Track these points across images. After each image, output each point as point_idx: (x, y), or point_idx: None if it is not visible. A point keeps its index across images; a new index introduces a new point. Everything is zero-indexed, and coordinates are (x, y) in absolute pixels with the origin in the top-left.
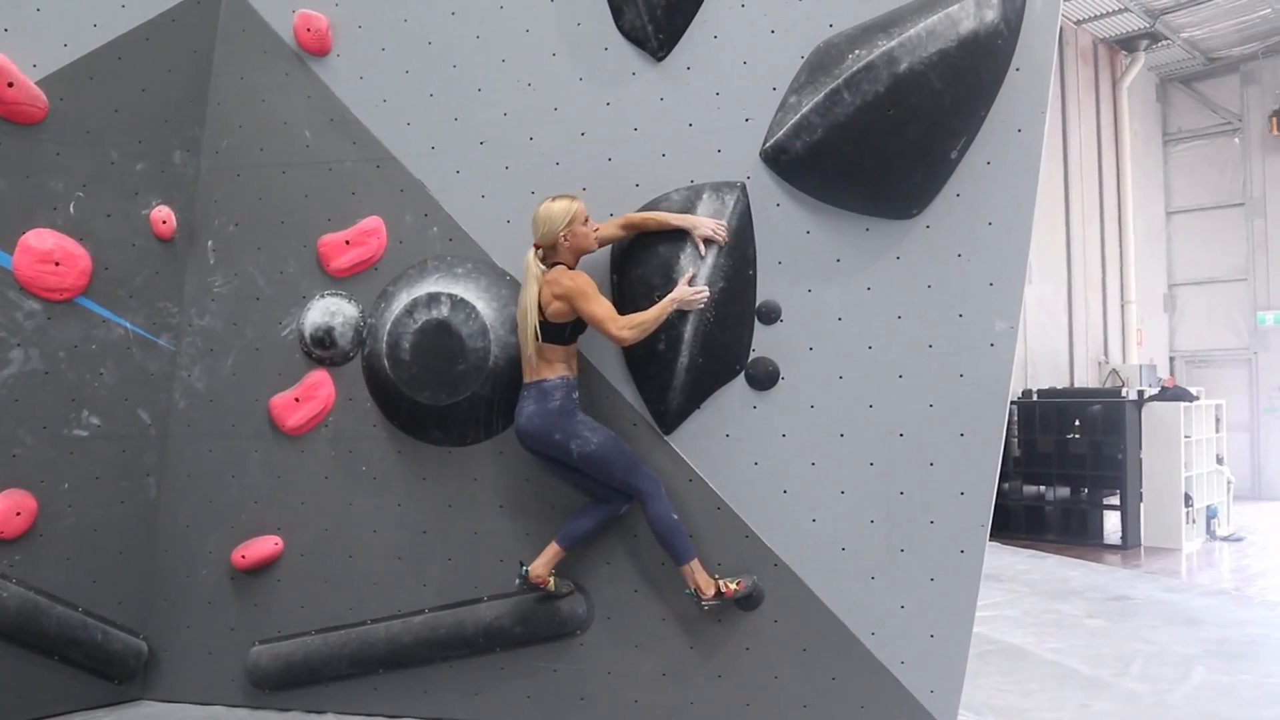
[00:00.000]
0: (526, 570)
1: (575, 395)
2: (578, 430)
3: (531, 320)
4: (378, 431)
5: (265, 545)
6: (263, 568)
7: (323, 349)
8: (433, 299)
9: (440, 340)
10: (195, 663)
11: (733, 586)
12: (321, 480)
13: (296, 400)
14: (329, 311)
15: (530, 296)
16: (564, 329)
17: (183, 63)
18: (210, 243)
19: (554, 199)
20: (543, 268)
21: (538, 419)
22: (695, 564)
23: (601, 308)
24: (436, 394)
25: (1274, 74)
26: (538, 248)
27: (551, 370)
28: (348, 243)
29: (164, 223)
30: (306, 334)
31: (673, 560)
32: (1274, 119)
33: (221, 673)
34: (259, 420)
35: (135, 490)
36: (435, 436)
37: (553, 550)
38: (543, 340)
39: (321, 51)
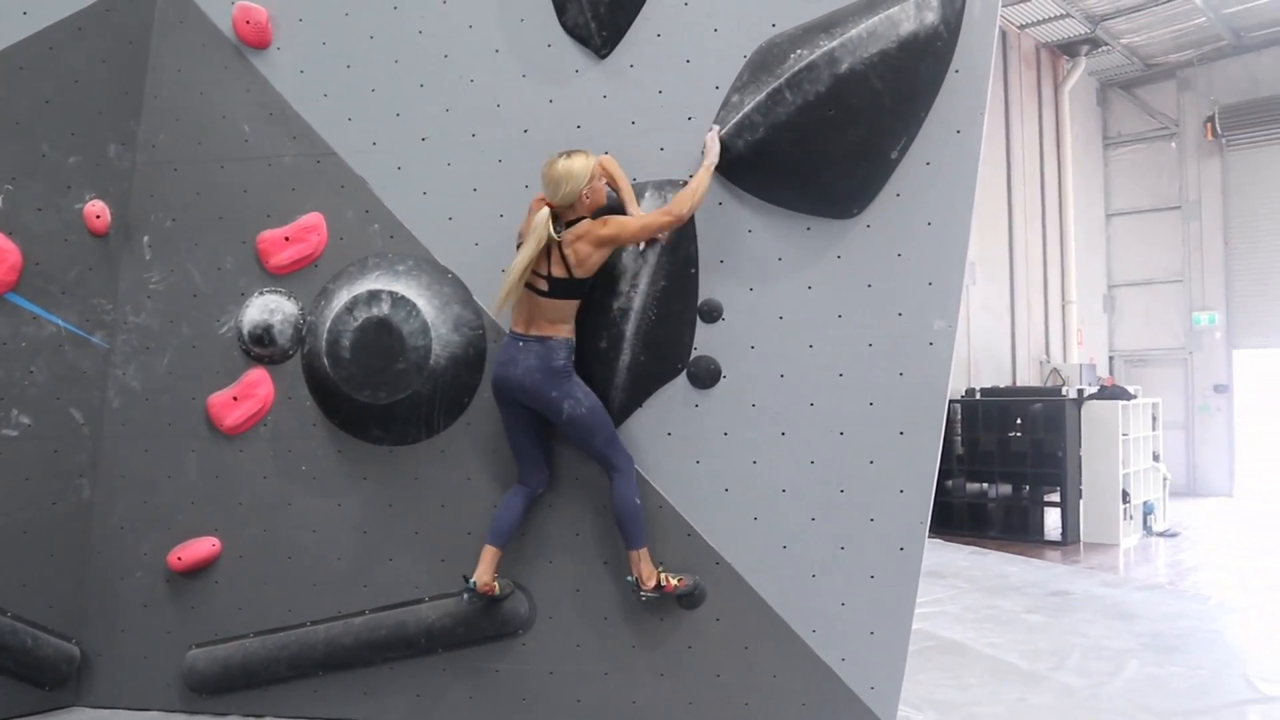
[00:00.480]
0: (474, 584)
1: (572, 358)
2: (573, 391)
3: (514, 279)
4: (317, 430)
5: (202, 547)
6: (200, 569)
7: (261, 347)
8: (373, 296)
9: (381, 338)
10: (130, 667)
11: (674, 582)
12: (260, 480)
13: (235, 399)
14: (268, 309)
15: (526, 257)
16: (585, 283)
17: (117, 54)
18: (146, 238)
19: (568, 155)
20: (556, 231)
21: (539, 374)
22: (644, 552)
23: (650, 218)
24: (377, 392)
25: (1209, 81)
26: (552, 207)
27: (556, 330)
28: (287, 239)
29: (98, 217)
30: (245, 331)
31: (624, 543)
32: (1208, 124)
33: (157, 677)
34: (196, 419)
35: (67, 491)
36: (376, 435)
37: (490, 554)
38: (561, 297)
39: (261, 44)
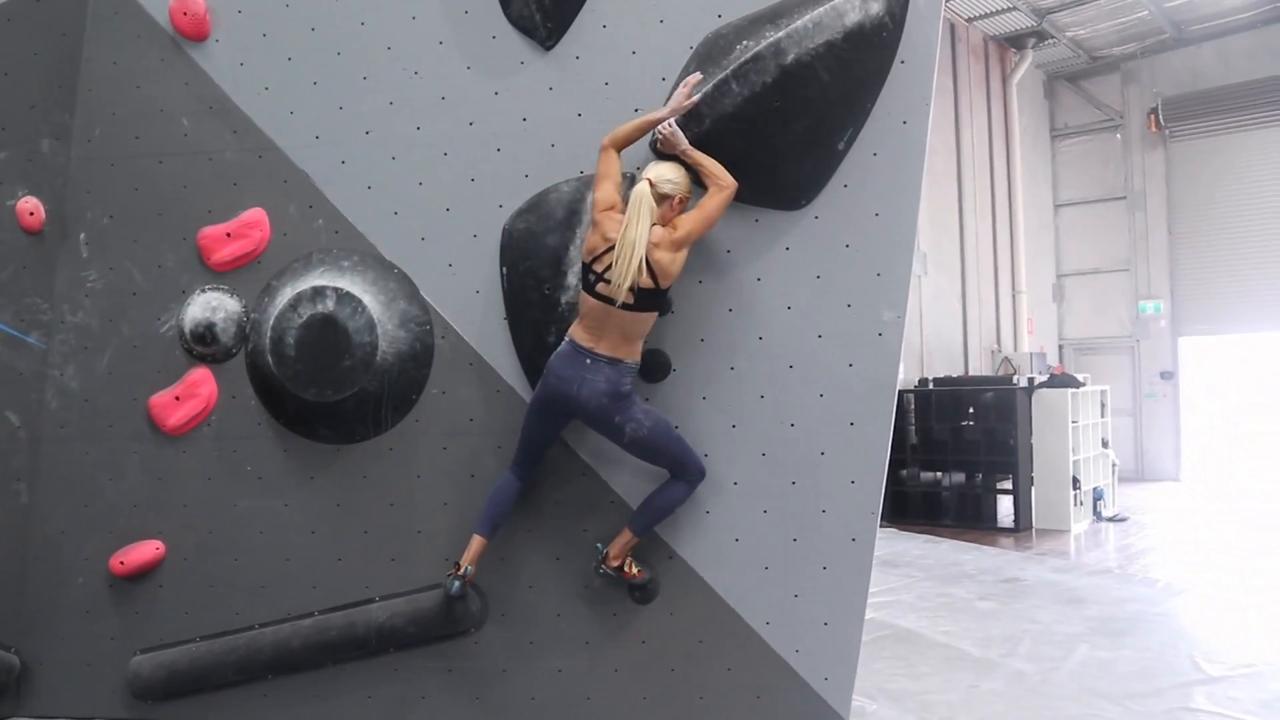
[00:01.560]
0: (468, 570)
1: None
2: (634, 414)
3: (639, 255)
4: (263, 430)
5: (146, 550)
6: (143, 574)
7: (204, 345)
8: (318, 293)
9: (326, 335)
10: (73, 675)
11: (634, 570)
12: (205, 481)
13: (177, 399)
14: (210, 306)
15: (643, 231)
16: (666, 295)
17: (49, 46)
18: (83, 235)
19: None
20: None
21: (606, 399)
22: (634, 541)
23: (710, 201)
24: (323, 390)
25: (1152, 73)
26: (654, 186)
27: (630, 350)
28: (229, 235)
29: (31, 214)
30: (187, 330)
31: (630, 524)
32: (1152, 116)
33: (101, 684)
34: (137, 420)
35: (4, 496)
36: (323, 434)
37: (478, 544)
38: (646, 310)
39: (199, 36)
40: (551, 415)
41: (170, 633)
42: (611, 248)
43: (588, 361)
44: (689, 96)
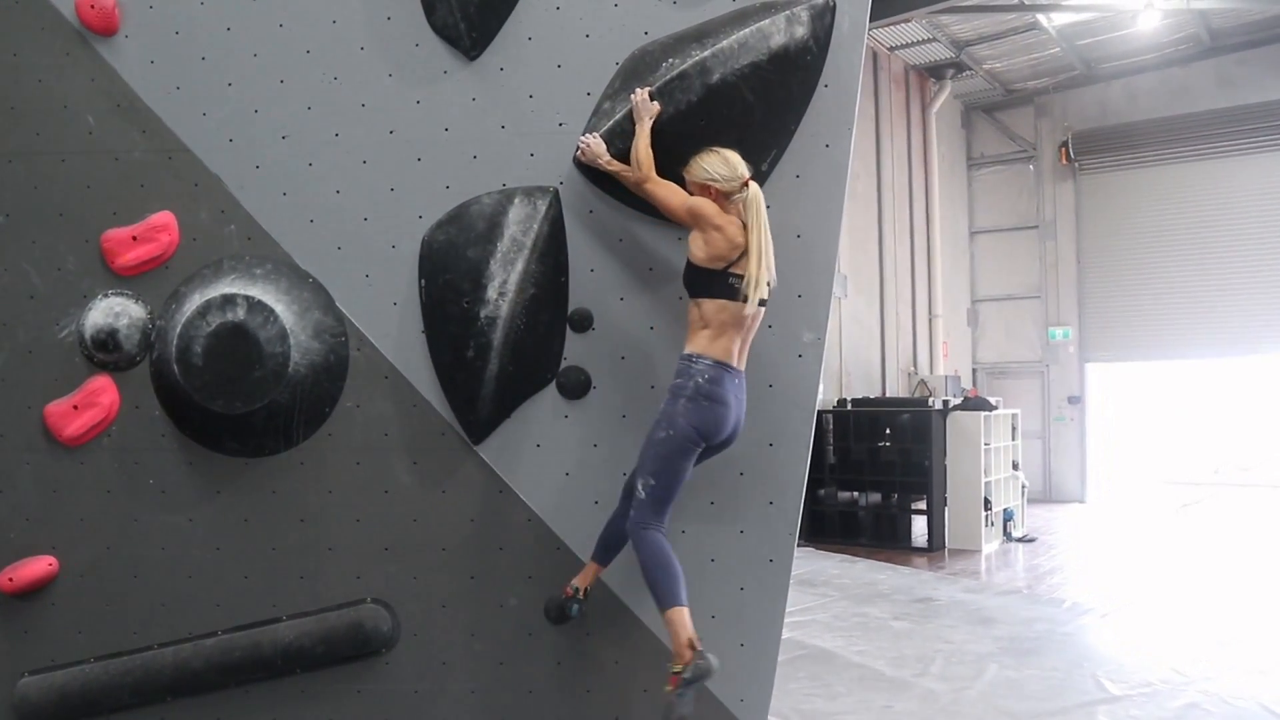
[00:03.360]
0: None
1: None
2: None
3: (771, 251)
4: (167, 442)
5: (38, 566)
6: (34, 590)
7: (105, 352)
8: (228, 301)
9: (236, 345)
10: None
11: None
12: (103, 494)
13: (75, 408)
14: (113, 312)
15: (767, 234)
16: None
17: None
18: None
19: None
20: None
21: (744, 416)
22: (601, 569)
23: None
24: (232, 402)
25: (1063, 107)
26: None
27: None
28: (135, 239)
29: None
30: (87, 336)
31: (594, 552)
32: (1063, 149)
33: None
34: (32, 430)
35: None
36: (230, 447)
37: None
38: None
39: (108, 31)
40: (706, 445)
41: (62, 653)
42: (744, 252)
43: (737, 381)
44: (648, 99)
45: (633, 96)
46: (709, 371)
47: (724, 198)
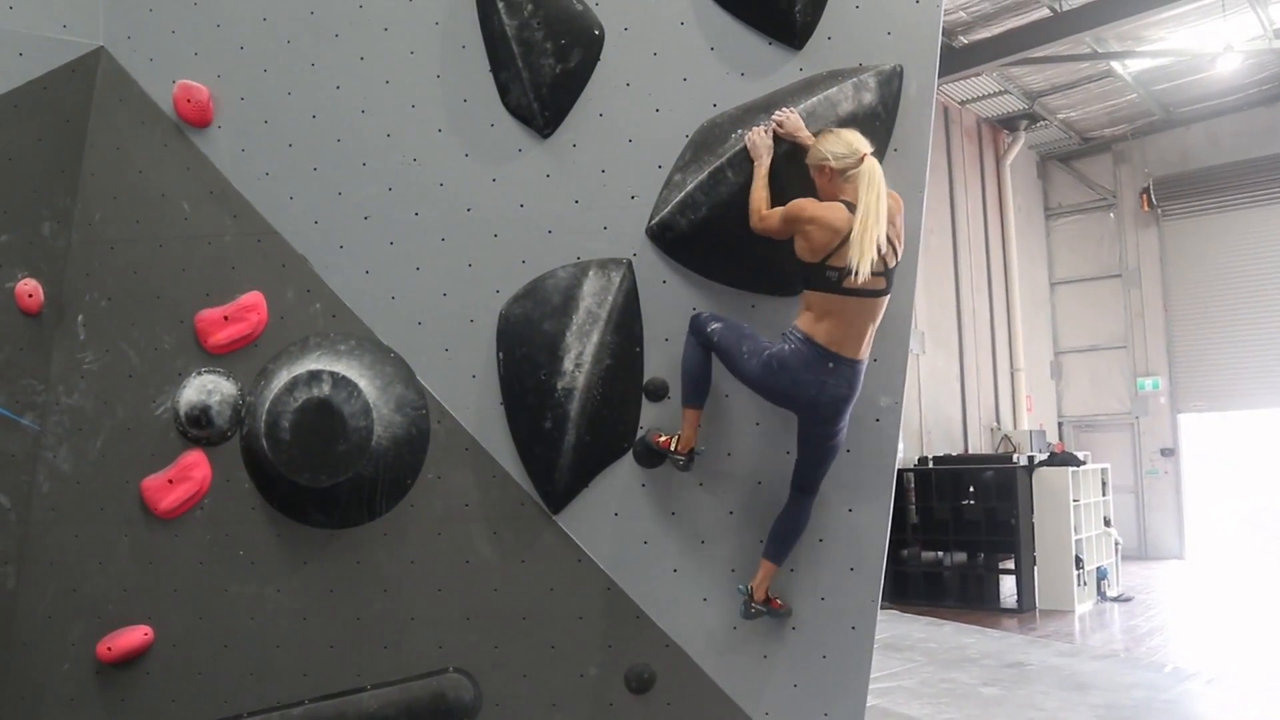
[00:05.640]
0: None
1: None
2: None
3: (883, 229)
4: (256, 514)
5: (134, 636)
6: (131, 660)
7: (199, 428)
8: (314, 377)
9: (321, 419)
10: None
11: (777, 601)
12: (196, 566)
13: (170, 482)
14: (205, 389)
15: (882, 206)
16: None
17: (54, 131)
18: (81, 318)
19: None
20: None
21: (844, 404)
22: (775, 569)
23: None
24: (317, 475)
25: (1142, 154)
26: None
27: (867, 350)
28: (226, 318)
29: (30, 296)
30: (182, 412)
31: (768, 555)
32: (1144, 195)
33: None
34: (129, 503)
35: None
36: (316, 519)
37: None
38: (889, 292)
39: (202, 123)
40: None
41: None
42: (846, 239)
43: (831, 365)
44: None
45: (748, 136)
46: (797, 345)
47: (839, 175)
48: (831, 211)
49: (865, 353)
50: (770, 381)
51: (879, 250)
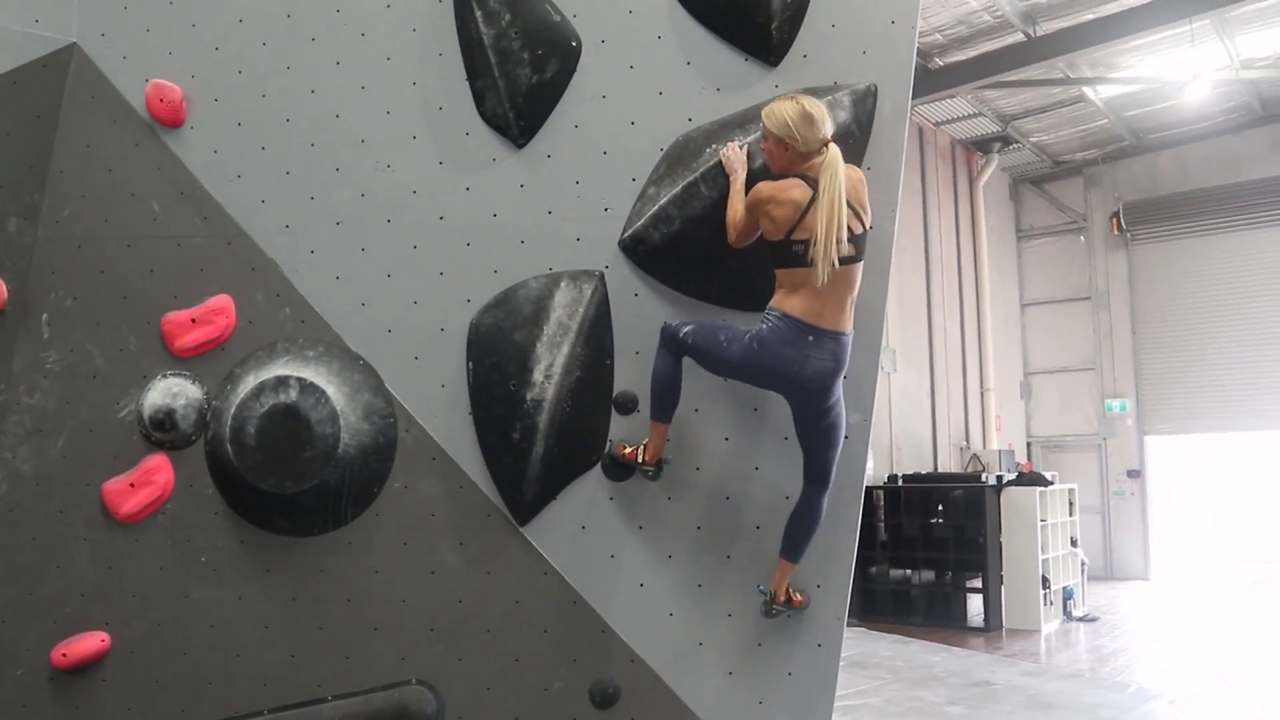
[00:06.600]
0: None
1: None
2: (840, 393)
3: (843, 202)
4: (219, 520)
5: (90, 642)
6: (86, 667)
7: (163, 431)
8: (281, 382)
9: (287, 425)
10: None
11: (797, 596)
12: (156, 571)
13: (132, 485)
14: (171, 393)
15: (840, 180)
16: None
17: (23, 127)
18: (45, 316)
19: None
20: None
21: (832, 379)
22: (794, 568)
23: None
24: (282, 481)
25: (1113, 178)
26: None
27: (850, 320)
28: (194, 321)
29: None
30: (146, 415)
31: (785, 554)
32: (1114, 220)
33: None
34: (90, 506)
35: None
36: (280, 526)
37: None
38: (861, 259)
39: (174, 123)
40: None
41: None
42: (806, 211)
43: (811, 339)
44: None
45: (723, 152)
46: (774, 323)
47: (800, 157)
48: (789, 188)
49: (848, 324)
50: (753, 362)
51: (839, 242)
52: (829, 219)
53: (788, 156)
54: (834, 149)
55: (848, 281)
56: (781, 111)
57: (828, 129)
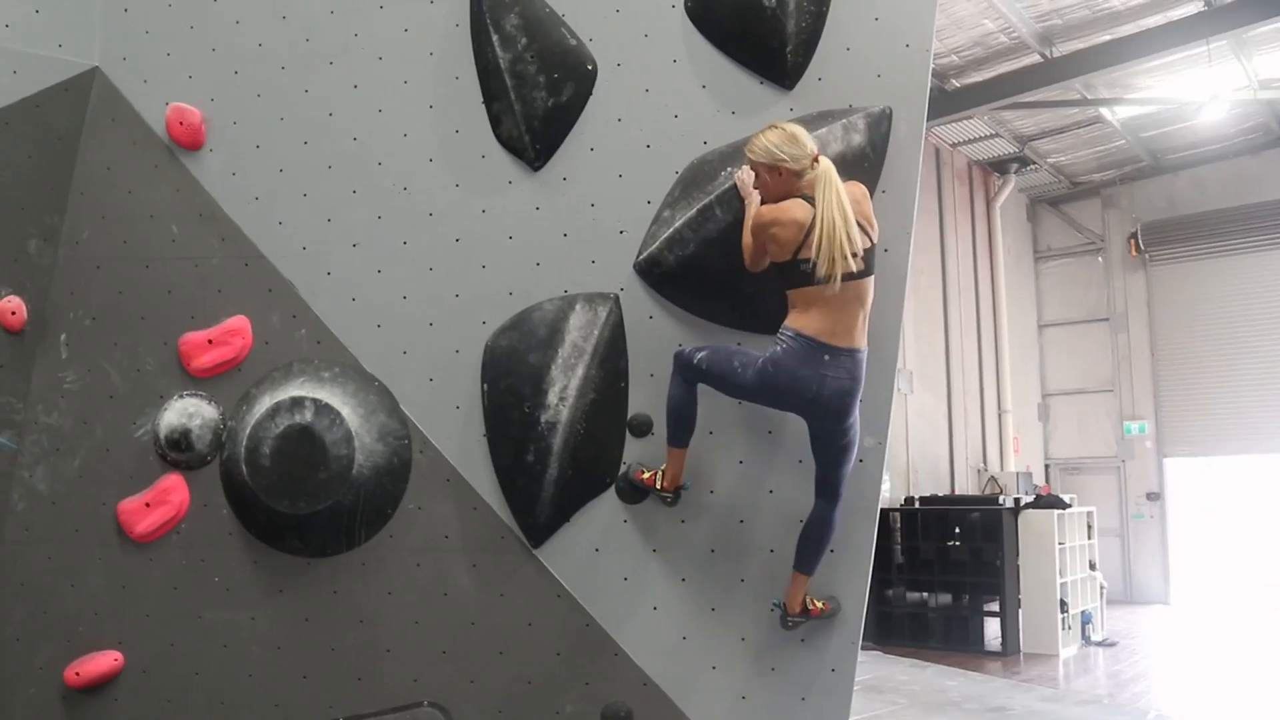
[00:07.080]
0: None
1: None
2: (857, 414)
3: (850, 217)
4: (233, 540)
5: (103, 661)
6: (99, 686)
7: (178, 451)
8: (296, 403)
9: (302, 446)
10: None
11: (818, 605)
12: (170, 590)
13: (147, 505)
14: (187, 413)
15: (841, 194)
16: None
17: (45, 149)
18: (63, 336)
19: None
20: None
21: (850, 398)
22: (808, 580)
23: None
24: (296, 502)
25: (1130, 199)
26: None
27: (864, 336)
28: (211, 342)
29: (13, 314)
30: (162, 435)
31: (798, 567)
32: (1132, 240)
33: None
34: (105, 525)
35: None
36: (294, 546)
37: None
38: (871, 274)
39: (194, 145)
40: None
41: None
42: (810, 229)
43: (827, 358)
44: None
45: (738, 175)
46: (789, 343)
47: (794, 177)
48: (789, 209)
49: (862, 340)
50: (769, 385)
51: (849, 251)
52: (831, 221)
53: (782, 181)
54: (825, 161)
55: (859, 297)
56: (762, 140)
57: (812, 143)
